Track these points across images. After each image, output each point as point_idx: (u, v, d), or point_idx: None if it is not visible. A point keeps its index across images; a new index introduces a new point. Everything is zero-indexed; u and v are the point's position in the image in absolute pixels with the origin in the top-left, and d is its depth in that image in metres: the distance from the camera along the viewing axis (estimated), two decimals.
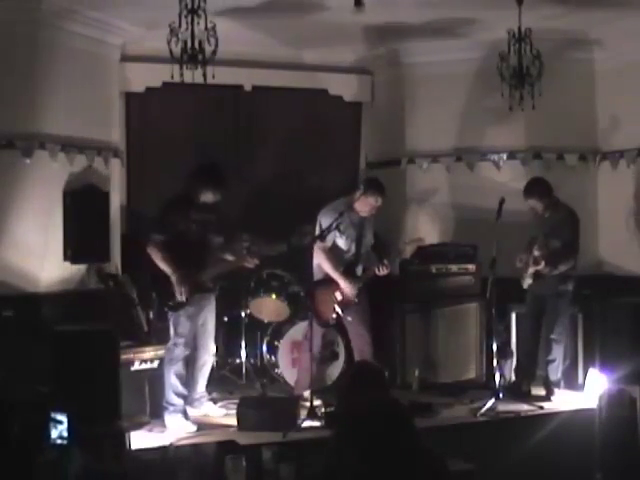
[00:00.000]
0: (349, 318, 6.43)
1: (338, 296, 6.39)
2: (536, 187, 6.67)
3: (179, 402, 6.00)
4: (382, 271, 6.40)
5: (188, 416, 6.03)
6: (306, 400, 6.11)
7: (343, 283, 6.37)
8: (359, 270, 6.49)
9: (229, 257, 6.29)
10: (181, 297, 5.93)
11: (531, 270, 6.50)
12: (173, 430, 5.85)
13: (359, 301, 6.45)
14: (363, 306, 6.50)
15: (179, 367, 6.02)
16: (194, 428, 5.92)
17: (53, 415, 4.61)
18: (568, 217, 6.64)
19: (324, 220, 6.39)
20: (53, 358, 5.54)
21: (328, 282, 6.41)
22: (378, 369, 4.10)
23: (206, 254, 6.17)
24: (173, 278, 5.91)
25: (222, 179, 6.17)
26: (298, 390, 6.47)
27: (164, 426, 5.89)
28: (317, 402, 6.11)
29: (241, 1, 6.39)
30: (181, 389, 6.03)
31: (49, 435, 4.58)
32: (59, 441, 4.56)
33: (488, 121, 7.67)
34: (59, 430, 4.61)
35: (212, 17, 5.29)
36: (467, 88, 7.83)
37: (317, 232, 6.39)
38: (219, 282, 6.45)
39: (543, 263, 6.37)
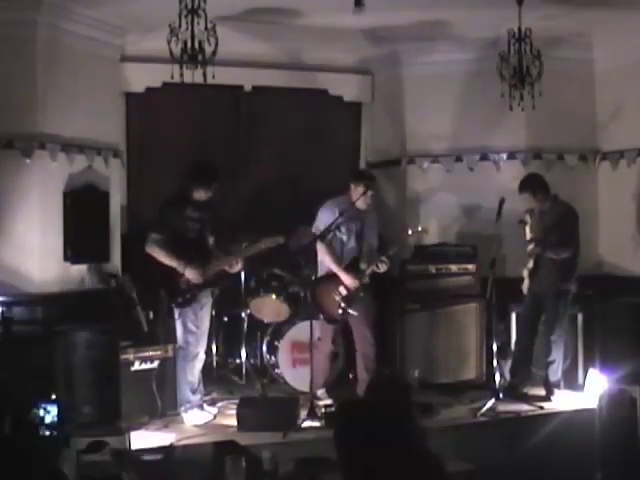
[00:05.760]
0: (355, 313, 6.40)
1: (342, 291, 6.38)
2: (529, 181, 6.68)
3: (196, 398, 6.09)
4: (381, 268, 6.40)
5: (204, 407, 6.13)
6: (320, 399, 6.21)
7: (343, 276, 6.37)
8: (362, 265, 6.48)
9: (219, 258, 6.30)
10: (199, 279, 5.97)
11: (529, 250, 6.49)
12: (191, 425, 5.94)
13: (364, 300, 6.43)
14: (367, 306, 6.47)
15: (194, 364, 6.08)
16: (211, 416, 6.05)
17: (43, 405, 4.62)
18: (567, 212, 6.66)
19: (323, 216, 6.44)
20: (53, 358, 5.54)
21: (331, 278, 6.43)
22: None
23: (204, 251, 6.20)
24: (181, 267, 5.95)
25: (213, 176, 6.19)
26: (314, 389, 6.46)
27: (168, 425, 5.91)
28: (328, 401, 6.31)
29: (241, 5, 6.39)
30: (197, 385, 6.11)
31: (40, 424, 4.59)
32: (49, 432, 4.56)
33: (488, 121, 7.66)
34: (50, 419, 4.61)
35: (212, 20, 5.28)
36: (467, 88, 7.82)
37: (315, 227, 6.44)
38: (221, 279, 6.45)
39: (534, 241, 6.41)
